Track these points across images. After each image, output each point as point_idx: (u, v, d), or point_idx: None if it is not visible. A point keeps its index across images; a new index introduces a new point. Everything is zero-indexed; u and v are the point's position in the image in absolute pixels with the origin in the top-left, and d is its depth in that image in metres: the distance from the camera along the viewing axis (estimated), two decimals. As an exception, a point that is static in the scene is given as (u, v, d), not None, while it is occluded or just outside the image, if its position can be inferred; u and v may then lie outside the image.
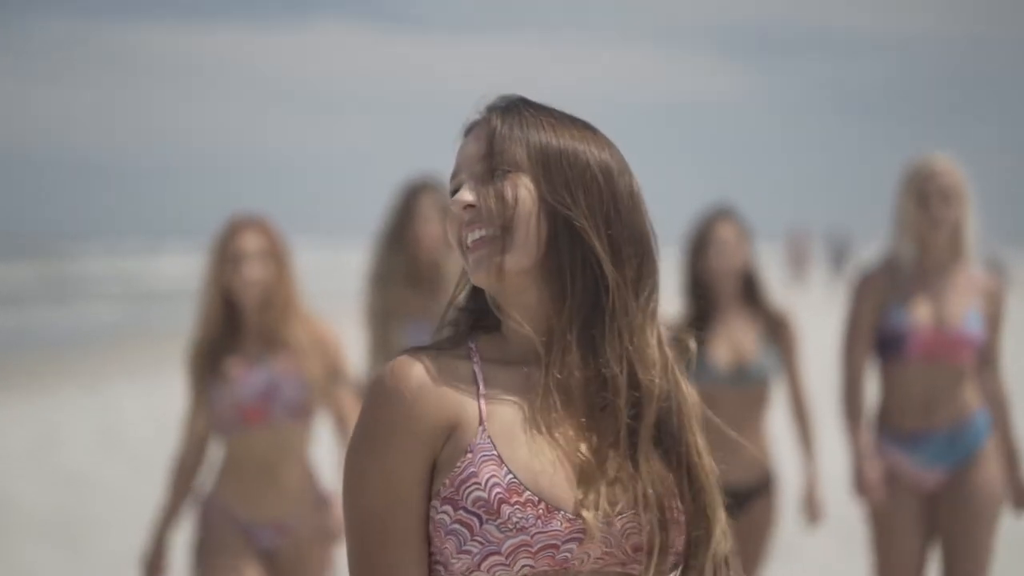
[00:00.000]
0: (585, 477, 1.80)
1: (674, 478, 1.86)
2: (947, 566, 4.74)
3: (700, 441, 1.90)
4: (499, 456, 1.79)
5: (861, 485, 4.82)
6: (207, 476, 4.60)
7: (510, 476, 1.78)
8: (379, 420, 1.82)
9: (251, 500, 4.47)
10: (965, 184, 4.83)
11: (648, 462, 1.84)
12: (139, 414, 13.43)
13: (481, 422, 1.81)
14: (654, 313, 1.89)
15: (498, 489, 1.77)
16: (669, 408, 1.87)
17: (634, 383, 1.85)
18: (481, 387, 1.84)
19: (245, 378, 4.49)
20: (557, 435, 1.82)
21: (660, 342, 1.89)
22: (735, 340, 5.17)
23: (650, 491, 1.83)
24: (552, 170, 1.86)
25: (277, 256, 4.61)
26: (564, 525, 1.78)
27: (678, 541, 1.85)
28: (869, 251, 6.05)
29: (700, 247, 5.28)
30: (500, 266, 1.85)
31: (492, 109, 1.93)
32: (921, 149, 4.98)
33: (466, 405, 1.82)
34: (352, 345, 4.86)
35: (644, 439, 1.84)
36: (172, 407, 9.11)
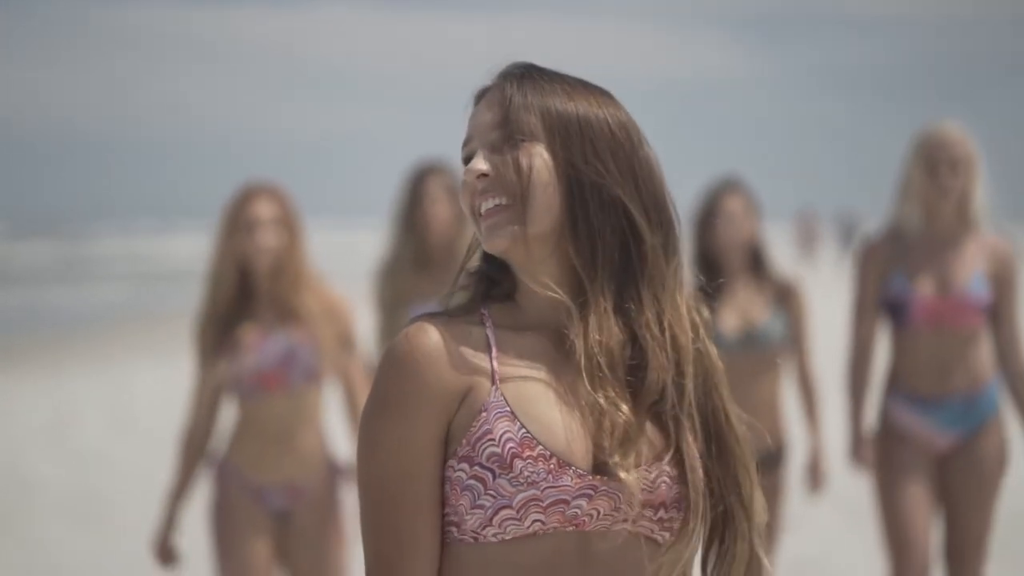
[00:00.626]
0: (627, 438, 1.82)
1: (702, 443, 1.87)
2: (952, 528, 4.80)
3: (729, 407, 1.91)
4: (512, 412, 1.81)
5: (856, 456, 4.89)
6: (220, 441, 4.64)
7: (523, 431, 1.80)
8: (393, 387, 1.83)
9: (264, 463, 4.52)
10: (975, 154, 4.81)
11: (690, 422, 1.86)
12: (152, 393, 13.54)
13: (494, 382, 1.82)
14: (681, 279, 1.91)
15: (511, 444, 1.79)
16: (697, 373, 1.89)
17: (674, 345, 1.86)
18: (494, 350, 1.85)
19: (262, 345, 4.53)
20: (599, 397, 1.82)
21: (689, 308, 1.91)
22: (743, 308, 5.23)
23: (691, 450, 1.85)
24: (572, 138, 1.86)
25: (290, 224, 4.63)
26: (575, 481, 1.80)
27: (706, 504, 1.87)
28: (877, 228, 6.07)
29: (708, 219, 5.33)
30: (516, 234, 1.84)
31: (505, 76, 1.91)
32: (931, 121, 4.94)
33: (479, 369, 1.83)
34: (362, 326, 4.93)
35: (687, 399, 1.86)
36: (185, 386, 9.20)
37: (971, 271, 4.76)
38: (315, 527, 4.55)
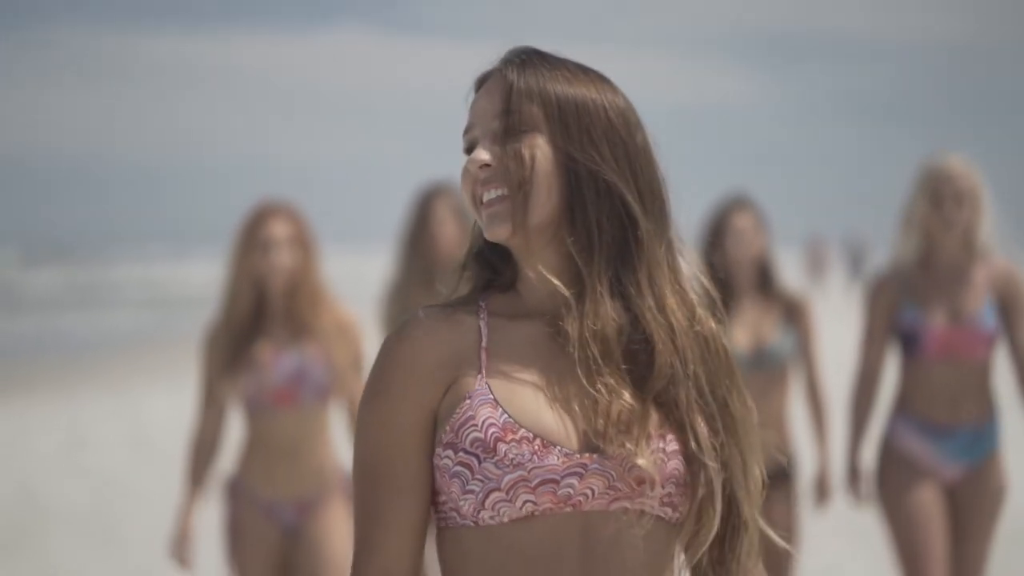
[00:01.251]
0: (635, 424, 1.82)
1: (708, 423, 1.87)
2: (951, 557, 4.80)
3: (733, 387, 1.91)
4: (495, 399, 1.83)
5: (852, 488, 4.97)
6: (231, 459, 4.71)
7: (505, 416, 1.82)
8: (382, 374, 1.88)
9: (274, 479, 4.59)
10: (980, 186, 4.84)
11: (699, 404, 1.87)
12: (166, 417, 13.66)
13: (480, 371, 1.85)
14: (676, 264, 1.93)
15: (494, 428, 1.81)
16: (702, 357, 1.90)
17: (676, 329, 1.88)
18: (484, 340, 1.88)
19: (275, 362, 4.59)
20: (599, 386, 1.83)
21: (684, 291, 1.92)
22: (753, 325, 5.26)
23: (700, 428, 1.85)
24: (571, 127, 1.87)
25: (304, 243, 4.70)
26: (561, 460, 1.81)
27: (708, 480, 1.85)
28: (885, 256, 6.07)
29: (718, 236, 5.36)
30: (516, 223, 1.86)
31: (507, 62, 1.91)
32: (936, 153, 4.97)
33: (467, 359, 1.86)
34: (370, 348, 5.01)
35: (692, 381, 1.87)
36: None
37: (981, 301, 4.80)
38: (323, 543, 4.60)
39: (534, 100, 1.88)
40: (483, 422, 1.82)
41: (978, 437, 4.80)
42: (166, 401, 14.89)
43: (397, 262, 5.80)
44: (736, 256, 5.33)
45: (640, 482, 1.82)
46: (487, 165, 1.88)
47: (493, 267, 1.96)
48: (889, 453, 4.87)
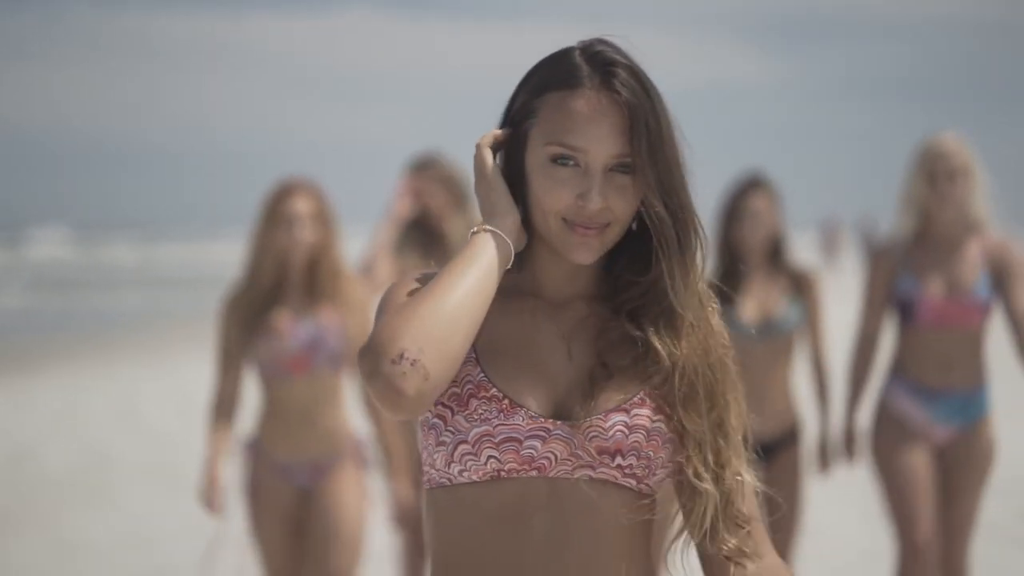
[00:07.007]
0: (600, 396, 1.89)
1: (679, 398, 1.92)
2: (945, 514, 4.97)
3: (724, 369, 1.95)
4: (476, 358, 1.90)
5: (848, 449, 5.18)
6: (250, 423, 4.87)
7: (482, 375, 1.89)
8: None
9: (290, 442, 4.68)
10: (972, 163, 4.97)
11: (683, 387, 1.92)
12: (204, 381, 14.39)
13: None
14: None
15: (470, 385, 1.88)
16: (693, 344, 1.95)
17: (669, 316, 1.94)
18: None
19: (292, 330, 4.68)
20: (573, 351, 1.92)
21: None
22: (762, 297, 5.35)
23: (680, 412, 1.90)
24: (663, 172, 1.90)
25: (325, 219, 4.74)
26: (526, 421, 1.86)
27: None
28: (886, 234, 6.26)
29: (733, 217, 5.42)
30: (603, 249, 1.93)
31: (634, 102, 1.89)
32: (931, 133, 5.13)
33: None
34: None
35: (682, 371, 1.92)
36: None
37: (977, 274, 4.94)
38: (336, 504, 4.70)
39: (644, 148, 1.88)
40: (462, 379, 1.89)
41: (969, 401, 4.98)
42: (203, 368, 15.62)
43: (395, 237, 5.74)
44: (752, 235, 5.41)
45: (601, 452, 1.87)
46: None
47: None
48: (884, 414, 5.05)
